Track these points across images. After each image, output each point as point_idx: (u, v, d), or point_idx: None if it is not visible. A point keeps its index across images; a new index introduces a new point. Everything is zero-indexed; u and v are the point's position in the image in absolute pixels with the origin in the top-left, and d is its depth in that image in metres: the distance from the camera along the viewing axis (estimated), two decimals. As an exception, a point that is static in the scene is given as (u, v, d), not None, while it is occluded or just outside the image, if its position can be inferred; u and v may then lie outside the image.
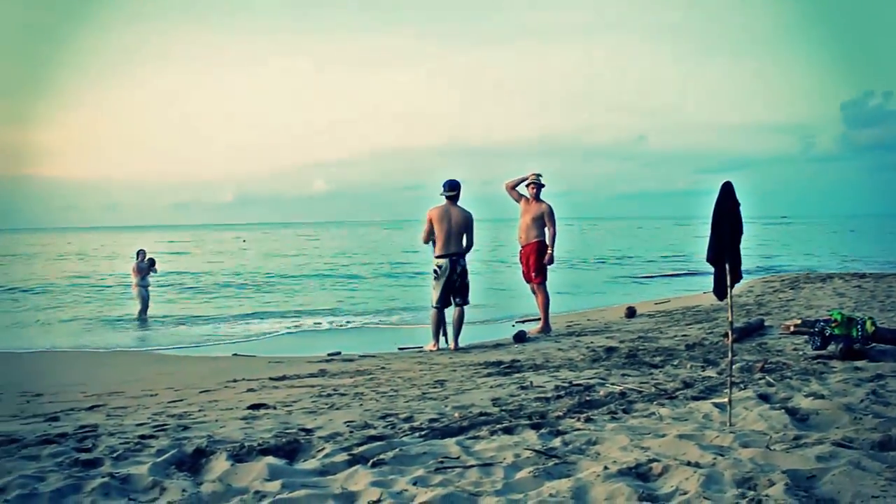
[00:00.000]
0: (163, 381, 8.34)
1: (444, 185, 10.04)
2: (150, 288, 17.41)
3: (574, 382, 6.53)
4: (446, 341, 10.15)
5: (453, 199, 10.01)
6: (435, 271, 9.95)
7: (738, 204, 4.52)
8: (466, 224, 10.04)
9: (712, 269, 4.65)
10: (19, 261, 46.06)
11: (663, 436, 4.32)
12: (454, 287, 9.97)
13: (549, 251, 10.81)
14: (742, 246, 4.58)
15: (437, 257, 9.92)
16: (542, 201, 10.92)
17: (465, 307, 10.20)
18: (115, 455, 4.32)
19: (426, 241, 10.02)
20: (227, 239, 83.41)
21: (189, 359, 11.24)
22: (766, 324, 10.01)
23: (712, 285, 4.69)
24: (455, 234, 9.94)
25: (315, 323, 15.78)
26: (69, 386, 8.13)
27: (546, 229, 10.85)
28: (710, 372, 6.84)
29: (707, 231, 4.60)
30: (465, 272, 10.09)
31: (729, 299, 4.63)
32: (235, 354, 11.12)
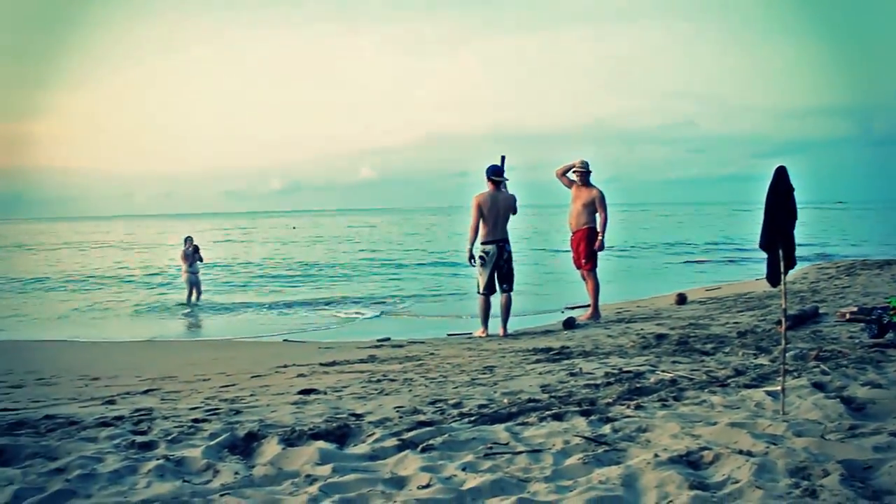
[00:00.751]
0: (215, 366, 8.48)
1: (487, 171, 10.01)
2: (199, 274, 17.71)
3: (624, 369, 6.48)
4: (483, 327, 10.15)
5: (498, 184, 9.99)
6: (482, 257, 9.93)
7: (792, 189, 4.43)
8: (512, 209, 10.03)
9: (765, 256, 4.57)
10: (72, 248, 47.23)
11: (715, 423, 4.27)
12: (501, 273, 9.96)
13: (598, 237, 10.74)
14: (796, 232, 4.50)
15: (484, 243, 9.91)
16: (593, 187, 10.83)
17: (512, 293, 10.18)
18: (169, 438, 4.41)
19: (475, 229, 9.97)
20: (278, 226, 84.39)
21: (240, 344, 11.41)
22: (821, 311, 9.81)
23: (765, 272, 4.61)
24: (502, 219, 9.94)
25: (364, 309, 15.91)
26: (124, 370, 8.32)
27: (597, 215, 10.76)
28: (763, 360, 6.73)
29: (760, 217, 4.52)
30: (510, 258, 10.09)
31: (782, 286, 4.55)
32: (286, 340, 11.24)
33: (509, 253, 10.05)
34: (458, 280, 20.49)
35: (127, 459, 3.91)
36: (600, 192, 10.76)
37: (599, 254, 11.01)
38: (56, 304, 18.54)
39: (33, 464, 3.90)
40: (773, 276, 4.54)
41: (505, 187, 10.12)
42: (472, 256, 10.03)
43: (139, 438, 4.41)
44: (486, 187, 10.00)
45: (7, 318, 15.90)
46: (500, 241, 9.90)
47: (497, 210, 9.88)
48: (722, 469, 3.50)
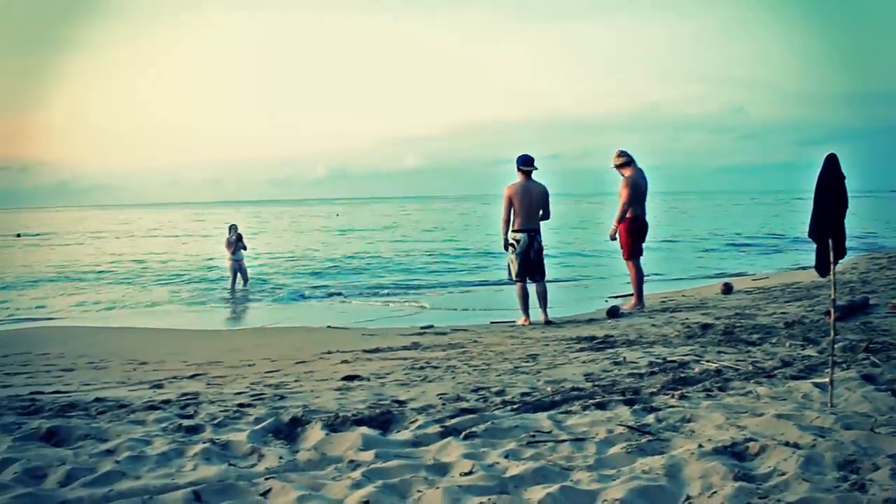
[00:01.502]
0: (259, 352, 8.58)
1: (518, 161, 9.99)
2: (244, 262, 17.94)
3: (668, 359, 6.43)
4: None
5: (529, 174, 9.97)
6: (512, 245, 9.93)
7: (842, 177, 4.35)
8: (543, 199, 10.01)
9: (814, 245, 4.50)
10: (118, 235, 48.14)
11: (761, 415, 4.23)
12: (531, 263, 9.96)
13: (613, 224, 10.76)
14: (846, 221, 4.42)
15: (515, 231, 9.91)
16: (622, 176, 10.76)
17: (545, 282, 10.20)
18: (215, 422, 4.49)
19: (507, 220, 9.97)
20: (323, 214, 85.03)
21: (285, 330, 11.53)
22: (872, 302, 9.62)
23: (814, 261, 4.54)
24: (534, 209, 9.92)
25: (407, 296, 15.98)
26: (171, 356, 8.47)
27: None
28: (811, 351, 6.63)
29: (810, 205, 4.44)
30: (541, 248, 10.09)
31: (832, 276, 4.47)
32: (330, 327, 11.33)
33: (539, 244, 10.05)
34: (501, 270, 20.48)
35: (174, 442, 3.99)
36: (623, 180, 10.68)
37: (644, 244, 10.96)
38: (106, 292, 18.87)
39: (84, 445, 3.99)
40: (823, 266, 4.47)
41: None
42: (507, 244, 10.05)
43: (186, 422, 4.50)
44: (518, 178, 10.00)
45: (58, 306, 16.27)
46: (531, 231, 9.90)
47: (528, 200, 9.87)
48: (768, 461, 3.46)
